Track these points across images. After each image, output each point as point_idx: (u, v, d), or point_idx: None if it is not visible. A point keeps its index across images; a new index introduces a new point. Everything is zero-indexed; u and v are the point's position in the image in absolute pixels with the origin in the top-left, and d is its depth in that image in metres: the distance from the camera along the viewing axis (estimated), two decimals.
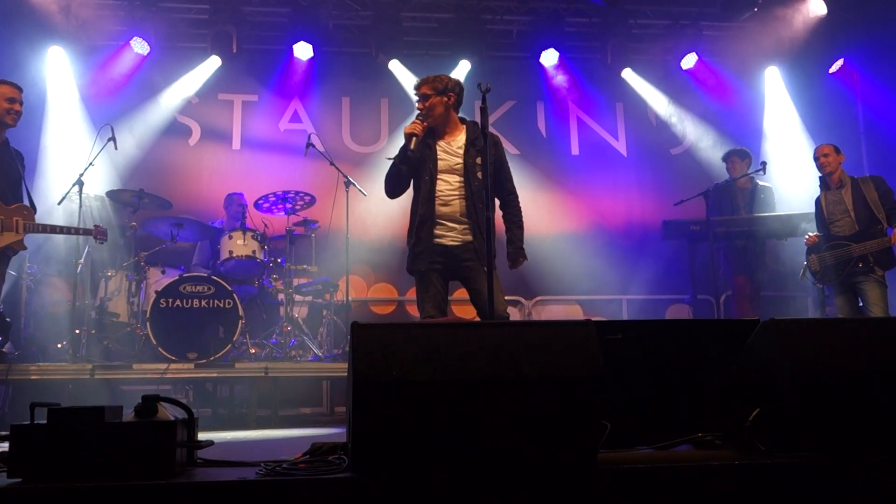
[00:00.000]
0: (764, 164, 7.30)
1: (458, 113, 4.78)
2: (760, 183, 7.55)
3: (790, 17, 8.86)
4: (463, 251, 4.50)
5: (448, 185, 4.58)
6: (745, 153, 7.70)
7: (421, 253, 4.54)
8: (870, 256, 6.03)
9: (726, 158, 7.75)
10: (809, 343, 2.80)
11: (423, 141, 4.59)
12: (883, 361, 2.79)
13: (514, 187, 4.79)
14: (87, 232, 5.97)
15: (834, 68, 9.31)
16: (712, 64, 9.58)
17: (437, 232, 4.52)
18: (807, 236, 6.43)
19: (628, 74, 9.55)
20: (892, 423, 2.72)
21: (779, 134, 9.54)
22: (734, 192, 7.52)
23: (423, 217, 4.55)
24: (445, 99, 4.65)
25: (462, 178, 4.56)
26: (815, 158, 6.45)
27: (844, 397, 2.72)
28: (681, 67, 9.36)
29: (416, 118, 4.60)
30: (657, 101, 9.72)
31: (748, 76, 9.72)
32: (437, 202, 4.55)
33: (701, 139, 9.59)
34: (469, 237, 4.50)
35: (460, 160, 4.59)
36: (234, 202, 7.68)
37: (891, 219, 6.06)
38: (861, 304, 6.14)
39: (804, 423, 2.70)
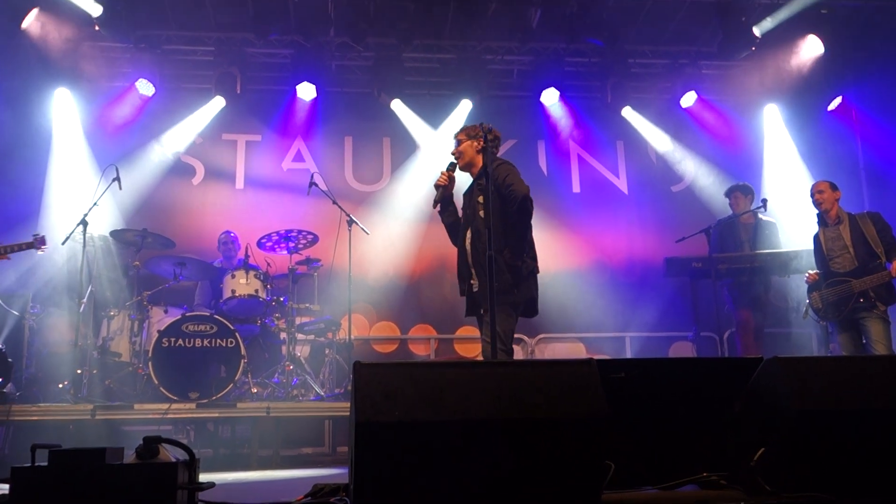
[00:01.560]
0: (765, 200, 7.32)
1: (491, 157, 4.81)
2: (764, 218, 7.54)
3: (788, 55, 8.97)
4: (480, 296, 4.70)
5: (469, 232, 4.88)
6: (747, 189, 7.71)
7: (468, 300, 4.92)
8: (871, 292, 5.97)
9: (729, 194, 7.76)
10: (814, 381, 2.80)
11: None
12: (888, 400, 2.78)
13: (517, 191, 4.71)
14: (28, 246, 6.10)
15: (832, 106, 9.38)
16: (711, 102, 9.68)
17: (471, 282, 4.84)
18: (807, 274, 6.39)
19: (628, 113, 9.63)
20: None
21: (779, 171, 9.58)
22: (738, 227, 7.52)
23: (459, 263, 4.97)
24: (476, 143, 4.90)
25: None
26: (811, 195, 6.45)
27: (849, 436, 2.70)
28: (680, 105, 9.45)
29: (448, 165, 4.89)
30: (657, 138, 9.79)
31: (747, 114, 9.80)
32: (464, 249, 4.91)
33: (701, 176, 9.64)
34: (476, 282, 4.77)
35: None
36: (222, 241, 7.71)
37: (889, 253, 6.02)
38: (864, 340, 6.07)
39: (809, 462, 2.68)
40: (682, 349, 8.75)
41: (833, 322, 6.26)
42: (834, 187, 6.38)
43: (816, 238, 6.45)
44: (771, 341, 7.50)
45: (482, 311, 4.66)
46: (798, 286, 7.26)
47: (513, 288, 4.64)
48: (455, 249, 5.07)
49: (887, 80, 8.86)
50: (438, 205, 4.98)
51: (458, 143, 5.00)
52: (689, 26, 8.91)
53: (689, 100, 9.36)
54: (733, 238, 7.54)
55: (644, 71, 9.60)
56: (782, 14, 8.39)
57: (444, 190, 4.89)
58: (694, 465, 2.99)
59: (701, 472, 2.96)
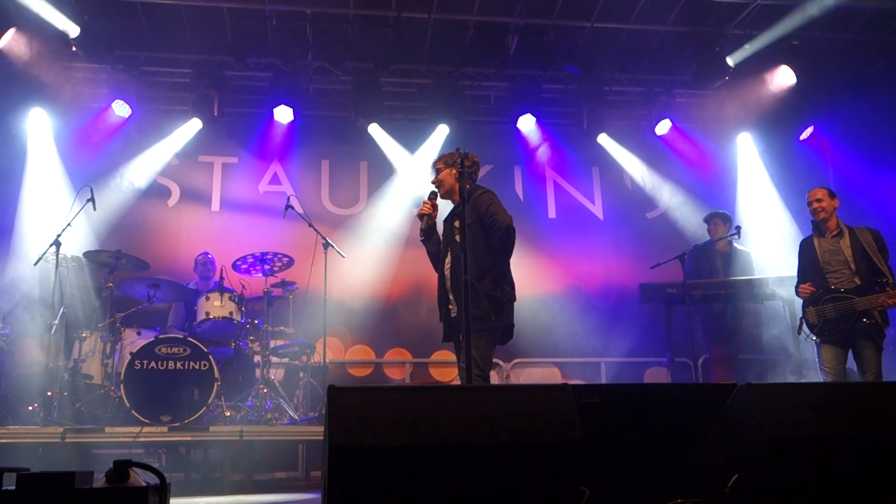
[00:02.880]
0: (739, 228, 7.42)
1: (469, 184, 4.88)
2: (738, 247, 7.65)
3: (761, 85, 9.12)
4: (455, 323, 4.74)
5: (449, 257, 4.88)
6: (727, 216, 7.83)
7: (446, 326, 4.91)
8: (875, 313, 5.53)
9: (708, 220, 7.86)
10: (787, 408, 2.82)
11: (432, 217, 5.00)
12: (861, 426, 2.81)
13: (500, 220, 4.75)
14: None
15: (805, 135, 9.55)
16: (686, 130, 9.82)
17: (449, 307, 4.86)
18: (801, 288, 5.89)
19: (604, 139, 9.74)
20: (873, 489, 2.72)
21: (752, 198, 9.72)
22: (713, 254, 7.61)
23: (439, 289, 4.95)
24: (454, 171, 4.90)
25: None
26: (809, 203, 5.97)
27: (822, 463, 2.73)
28: (655, 133, 9.58)
29: (430, 194, 4.96)
30: (632, 165, 9.91)
31: (721, 142, 9.95)
32: (444, 275, 4.90)
33: (676, 203, 9.76)
34: (454, 308, 4.80)
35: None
36: (199, 262, 7.68)
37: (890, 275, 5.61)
38: (856, 362, 5.69)
39: (783, 488, 2.70)
40: (657, 375, 8.78)
41: (825, 338, 5.76)
42: (832, 195, 5.96)
43: (808, 246, 5.98)
44: (745, 368, 7.56)
45: (460, 337, 4.63)
46: (774, 313, 7.34)
47: (490, 314, 4.64)
48: (435, 275, 5.07)
49: (857, 110, 9.03)
50: (423, 234, 5.01)
51: (437, 171, 5.05)
52: (663, 55, 9.06)
53: (663, 127, 9.50)
54: (708, 264, 7.63)
55: (619, 98, 9.73)
56: (755, 45, 8.55)
57: (427, 219, 4.94)
58: (668, 491, 2.99)
59: (675, 498, 2.96)
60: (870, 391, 3.17)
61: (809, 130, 9.51)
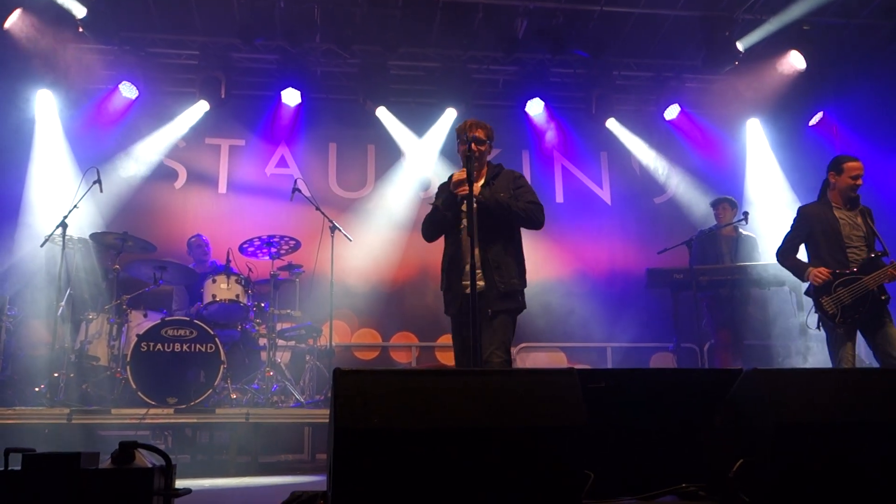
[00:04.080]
0: (746, 213, 7.41)
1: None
2: (744, 233, 7.63)
3: (770, 70, 9.05)
4: (482, 297, 4.31)
5: (465, 230, 4.50)
6: (734, 202, 7.86)
7: (452, 299, 4.56)
8: (884, 288, 5.27)
9: (716, 205, 7.85)
10: (792, 393, 2.81)
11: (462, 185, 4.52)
12: (867, 413, 2.80)
13: (535, 199, 4.65)
14: None
15: (814, 121, 9.49)
16: (694, 115, 9.76)
17: (462, 280, 4.47)
18: (814, 275, 5.41)
19: (612, 124, 9.70)
20: (878, 476, 2.71)
21: (760, 184, 9.67)
22: (719, 240, 7.60)
23: (452, 262, 4.58)
24: (490, 145, 4.70)
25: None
26: (853, 177, 5.49)
27: (827, 449, 2.72)
28: (664, 118, 9.52)
29: (466, 163, 4.42)
30: (641, 150, 9.86)
31: (730, 127, 9.89)
32: (461, 247, 4.51)
33: (683, 189, 9.71)
34: (480, 283, 4.30)
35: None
36: (193, 244, 7.68)
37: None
38: (877, 343, 5.30)
39: (787, 474, 2.69)
40: (663, 360, 8.78)
41: (846, 326, 5.34)
42: None
43: (823, 215, 5.54)
44: (751, 353, 7.55)
45: (489, 312, 4.36)
46: (781, 299, 7.32)
47: (519, 294, 4.51)
48: (436, 252, 4.86)
49: (867, 96, 8.96)
50: (448, 203, 4.55)
51: (480, 141, 4.59)
52: (673, 40, 8.98)
53: (672, 112, 9.45)
54: (714, 250, 7.62)
55: (628, 83, 9.68)
56: (765, 30, 8.47)
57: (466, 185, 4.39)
58: (673, 476, 2.99)
59: (680, 482, 2.96)
60: (877, 377, 3.15)
61: (819, 116, 9.44)
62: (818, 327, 5.48)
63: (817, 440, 2.72)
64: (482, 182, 4.64)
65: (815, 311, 5.45)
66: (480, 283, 4.30)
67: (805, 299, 6.57)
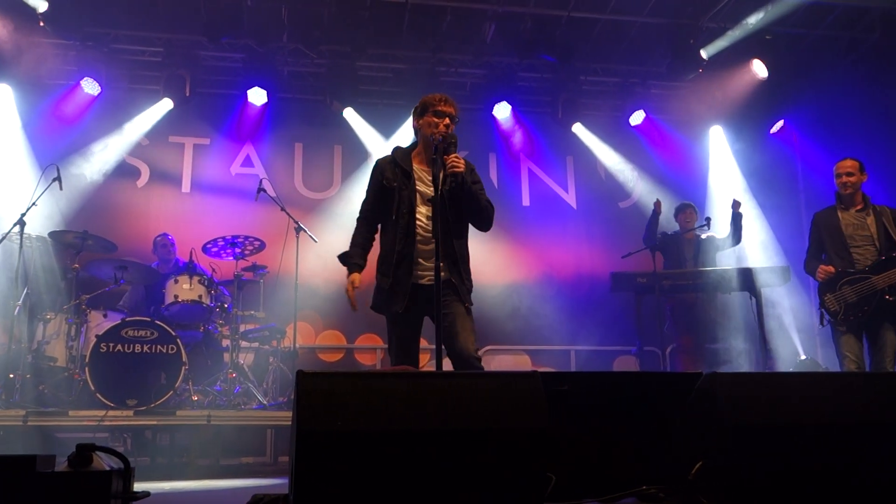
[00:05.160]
0: (708, 219, 7.55)
1: None
2: (705, 235, 7.76)
3: (733, 79, 9.19)
4: (430, 291, 4.00)
5: (424, 219, 4.15)
6: (695, 208, 7.99)
7: (397, 294, 4.17)
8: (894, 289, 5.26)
9: (681, 210, 7.96)
10: (751, 396, 2.85)
11: (401, 168, 4.22)
12: (824, 415, 2.85)
13: (488, 198, 4.31)
14: None
15: (775, 129, 9.66)
16: (659, 121, 9.88)
17: (416, 271, 4.13)
18: (821, 269, 5.56)
19: (578, 129, 9.78)
20: (836, 478, 2.76)
21: (723, 190, 9.81)
22: (681, 244, 7.71)
23: (402, 254, 4.15)
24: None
25: (432, 211, 4.03)
26: (836, 175, 5.67)
27: (785, 451, 2.76)
28: (629, 123, 9.62)
29: (447, 139, 4.10)
30: (606, 155, 9.96)
31: (693, 134, 10.03)
32: (416, 238, 4.14)
33: (648, 193, 9.83)
34: (445, 274, 4.00)
35: (432, 191, 4.06)
36: (158, 244, 7.59)
37: None
38: (876, 346, 5.38)
39: (746, 476, 2.73)
40: (626, 363, 8.86)
41: (848, 324, 5.44)
42: (863, 169, 5.66)
43: (829, 218, 5.68)
44: (712, 357, 7.65)
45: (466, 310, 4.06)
46: (742, 303, 7.44)
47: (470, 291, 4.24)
48: None
49: (826, 105, 9.15)
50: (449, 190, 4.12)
51: (454, 119, 4.31)
52: (639, 47, 9.09)
53: (637, 118, 9.55)
54: (676, 254, 7.72)
55: (595, 88, 9.77)
56: (729, 38, 8.61)
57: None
58: (634, 478, 3.02)
59: (640, 485, 2.99)
60: (833, 380, 3.22)
61: (780, 124, 9.62)
62: (821, 323, 5.61)
63: (775, 442, 2.77)
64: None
65: (820, 308, 5.59)
66: (441, 274, 3.92)
67: (766, 303, 6.74)
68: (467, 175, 4.19)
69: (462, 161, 4.05)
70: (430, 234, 4.04)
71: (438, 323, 3.83)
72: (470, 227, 4.37)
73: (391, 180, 4.23)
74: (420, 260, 4.15)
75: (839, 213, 5.64)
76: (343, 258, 4.45)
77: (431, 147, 4.15)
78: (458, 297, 4.10)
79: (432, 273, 3.94)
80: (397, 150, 4.40)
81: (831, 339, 5.62)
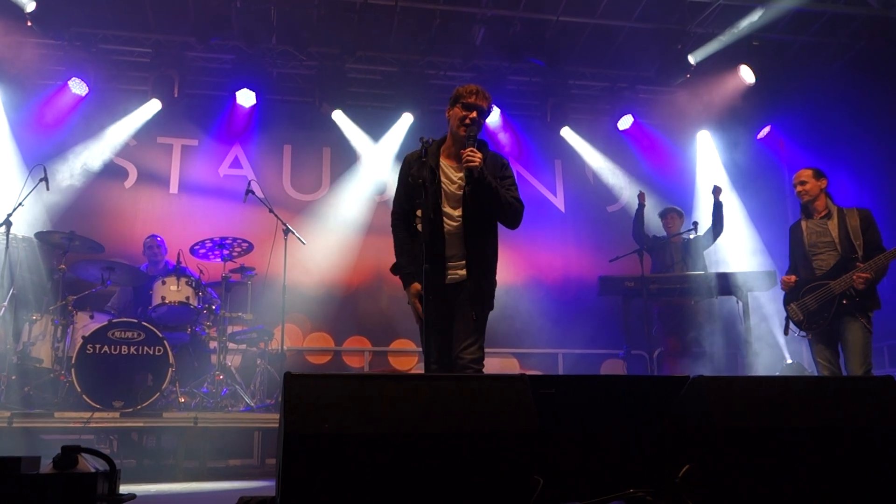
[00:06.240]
0: (696, 223, 7.58)
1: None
2: (690, 237, 7.79)
3: (721, 84, 9.24)
4: (459, 290, 4.02)
5: (450, 216, 4.07)
6: (682, 212, 8.01)
7: (427, 293, 3.90)
8: (852, 291, 5.22)
9: (665, 215, 7.99)
10: (737, 400, 2.87)
11: (428, 163, 4.06)
12: (810, 418, 2.87)
13: (518, 196, 4.21)
14: None
15: (762, 134, 9.72)
16: (647, 126, 9.93)
17: (445, 271, 4.03)
18: (783, 280, 5.64)
19: (567, 133, 9.81)
20: (822, 481, 2.78)
21: (710, 195, 9.85)
22: (669, 248, 7.74)
23: (430, 253, 3.95)
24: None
25: (462, 210, 4.03)
26: (794, 186, 5.68)
27: (772, 454, 2.78)
28: (617, 128, 9.65)
29: (467, 132, 4.01)
30: (594, 159, 9.99)
31: (681, 138, 10.07)
32: (444, 236, 4.03)
33: (636, 198, 9.86)
34: (463, 274, 4.01)
35: (460, 189, 4.04)
36: (147, 245, 7.53)
37: (869, 253, 5.26)
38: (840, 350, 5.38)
39: (732, 479, 2.74)
40: (614, 367, 8.89)
41: (814, 332, 5.45)
42: (818, 175, 5.59)
43: (796, 230, 5.67)
44: (699, 361, 7.68)
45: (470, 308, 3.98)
46: (729, 307, 7.48)
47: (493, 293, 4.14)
48: None
49: (812, 111, 9.22)
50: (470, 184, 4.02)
51: (483, 112, 4.10)
52: (628, 51, 9.12)
53: (625, 122, 9.58)
54: (662, 258, 7.75)
55: (583, 93, 9.81)
56: (716, 44, 8.67)
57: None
58: (621, 481, 3.03)
59: (628, 488, 3.00)
60: (819, 384, 3.24)
61: (766, 130, 9.68)
62: (785, 333, 5.65)
63: (761, 445, 2.78)
64: (461, 170, 4.06)
65: (786, 318, 5.62)
66: (461, 273, 3.98)
67: (752, 307, 6.78)
68: (494, 170, 4.10)
69: (478, 155, 3.93)
70: (455, 232, 4.01)
71: (425, 325, 3.83)
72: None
73: (416, 176, 4.06)
74: (448, 258, 4.04)
75: (803, 223, 5.64)
76: (396, 270, 4.21)
77: (456, 141, 4.09)
78: (469, 301, 4.02)
79: (457, 272, 3.97)
80: (428, 143, 4.15)
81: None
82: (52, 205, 8.08)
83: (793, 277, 5.56)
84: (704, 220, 7.80)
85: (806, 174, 5.60)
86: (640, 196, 7.83)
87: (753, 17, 8.25)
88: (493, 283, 4.16)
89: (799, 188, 5.61)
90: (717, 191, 7.61)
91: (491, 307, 4.18)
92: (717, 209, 7.58)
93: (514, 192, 4.16)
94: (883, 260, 5.22)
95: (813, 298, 5.41)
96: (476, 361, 4.08)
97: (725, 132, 9.87)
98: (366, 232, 9.14)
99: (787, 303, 5.60)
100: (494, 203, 4.05)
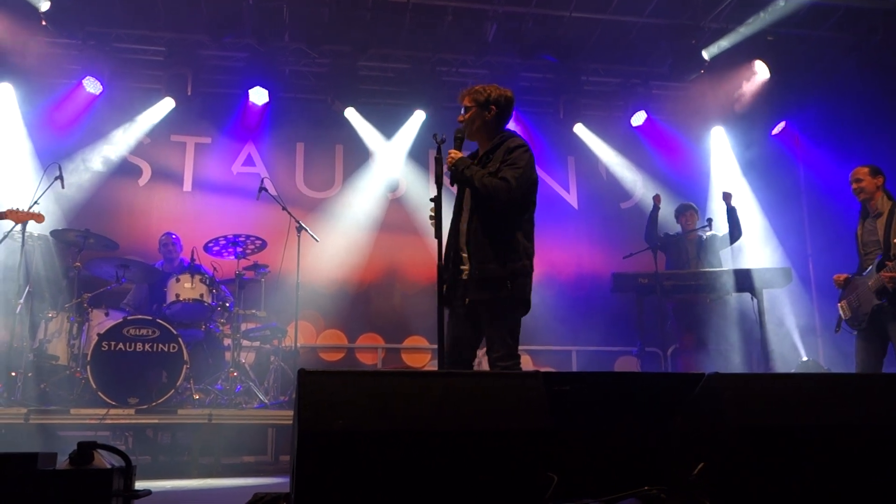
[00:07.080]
0: (710, 220, 7.55)
1: (500, 129, 4.33)
2: (707, 234, 7.75)
3: (735, 79, 9.18)
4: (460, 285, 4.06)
5: (465, 214, 4.17)
6: (697, 209, 7.97)
7: (451, 288, 4.04)
8: (888, 291, 5.11)
9: (681, 212, 7.93)
10: (753, 397, 2.85)
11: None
12: (827, 416, 2.85)
13: (509, 175, 4.08)
14: None
15: (776, 130, 9.64)
16: (661, 122, 9.86)
17: (462, 267, 4.07)
18: (833, 278, 5.63)
19: (580, 129, 9.77)
20: (837, 479, 2.76)
21: (722, 202, 9.80)
22: (684, 244, 7.70)
23: (450, 250, 4.11)
24: (486, 113, 4.25)
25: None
26: (850, 184, 5.54)
27: (788, 452, 2.76)
28: (630, 124, 9.61)
29: (456, 131, 4.22)
30: (608, 155, 9.95)
31: (695, 134, 10.00)
32: (459, 234, 4.13)
33: (649, 194, 9.82)
34: (466, 268, 4.05)
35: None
36: (163, 243, 7.56)
37: None
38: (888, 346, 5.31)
39: (748, 477, 2.73)
40: (627, 364, 8.86)
41: (859, 330, 5.42)
42: (875, 172, 5.45)
43: (858, 230, 5.59)
44: (714, 358, 7.64)
45: (465, 301, 3.98)
46: (744, 304, 7.43)
47: (507, 281, 4.10)
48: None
49: (827, 106, 9.13)
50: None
51: (466, 109, 4.27)
52: (641, 47, 9.07)
53: (639, 119, 9.53)
54: (677, 255, 7.71)
55: (596, 89, 9.77)
56: (730, 39, 8.61)
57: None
58: (635, 479, 3.02)
59: (642, 485, 2.99)
60: (835, 381, 3.21)
61: (781, 125, 9.59)
62: (836, 329, 5.63)
63: (776, 443, 2.77)
64: (480, 154, 4.27)
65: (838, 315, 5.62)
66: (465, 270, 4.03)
67: (766, 305, 6.74)
68: (501, 155, 4.16)
69: (451, 155, 4.12)
70: (466, 230, 4.10)
71: (440, 322, 3.85)
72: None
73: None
74: (462, 255, 4.09)
75: (860, 223, 5.56)
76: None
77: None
78: (475, 288, 4.00)
79: (468, 268, 4.03)
80: (442, 140, 4.24)
81: (834, 342, 5.66)
82: (67, 203, 8.12)
83: (843, 276, 5.54)
84: (718, 219, 7.75)
85: (862, 172, 5.49)
86: (656, 198, 7.79)
87: (768, 11, 8.19)
88: (502, 269, 4.07)
89: (855, 186, 5.50)
90: (727, 197, 7.54)
91: (502, 293, 4.08)
92: (732, 214, 7.51)
93: (505, 171, 4.07)
94: None
95: (856, 297, 5.41)
96: (500, 359, 4.02)
97: (740, 128, 9.80)
98: (378, 229, 9.15)
99: (839, 300, 5.59)
100: (475, 192, 4.10)
